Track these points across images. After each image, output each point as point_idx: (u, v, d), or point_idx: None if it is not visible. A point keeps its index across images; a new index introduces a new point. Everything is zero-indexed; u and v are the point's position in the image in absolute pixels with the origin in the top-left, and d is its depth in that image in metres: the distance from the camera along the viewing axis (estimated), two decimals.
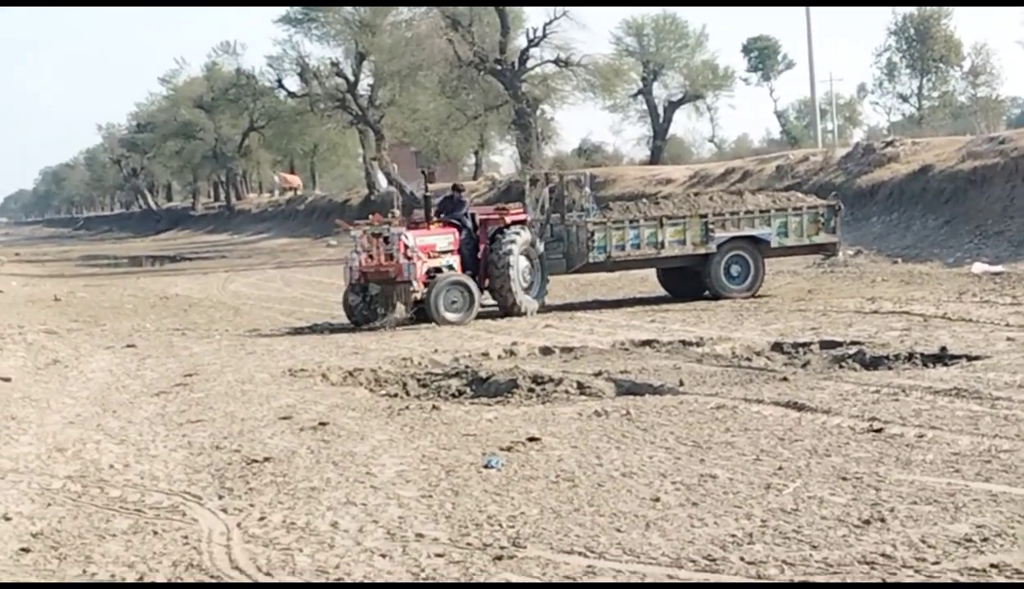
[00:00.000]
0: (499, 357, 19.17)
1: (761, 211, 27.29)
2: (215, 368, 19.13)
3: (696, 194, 32.49)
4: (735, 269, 26.90)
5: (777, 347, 18.32)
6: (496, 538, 9.05)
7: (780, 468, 10.59)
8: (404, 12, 71.23)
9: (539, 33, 62.80)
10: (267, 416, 14.52)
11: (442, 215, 25.55)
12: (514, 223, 25.54)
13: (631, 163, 71.78)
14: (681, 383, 15.42)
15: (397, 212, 28.97)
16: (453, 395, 15.85)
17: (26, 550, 9.38)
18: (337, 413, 14.50)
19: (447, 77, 65.67)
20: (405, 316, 23.99)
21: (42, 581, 8.72)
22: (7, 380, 18.04)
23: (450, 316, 23.95)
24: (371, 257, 24.38)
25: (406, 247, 24.07)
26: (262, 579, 8.48)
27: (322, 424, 13.71)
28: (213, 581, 8.53)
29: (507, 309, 25.08)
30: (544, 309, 25.64)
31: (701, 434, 12.18)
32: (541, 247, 25.97)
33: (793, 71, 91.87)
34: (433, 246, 24.69)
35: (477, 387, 16.06)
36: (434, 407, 14.63)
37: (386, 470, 11.37)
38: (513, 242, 25.11)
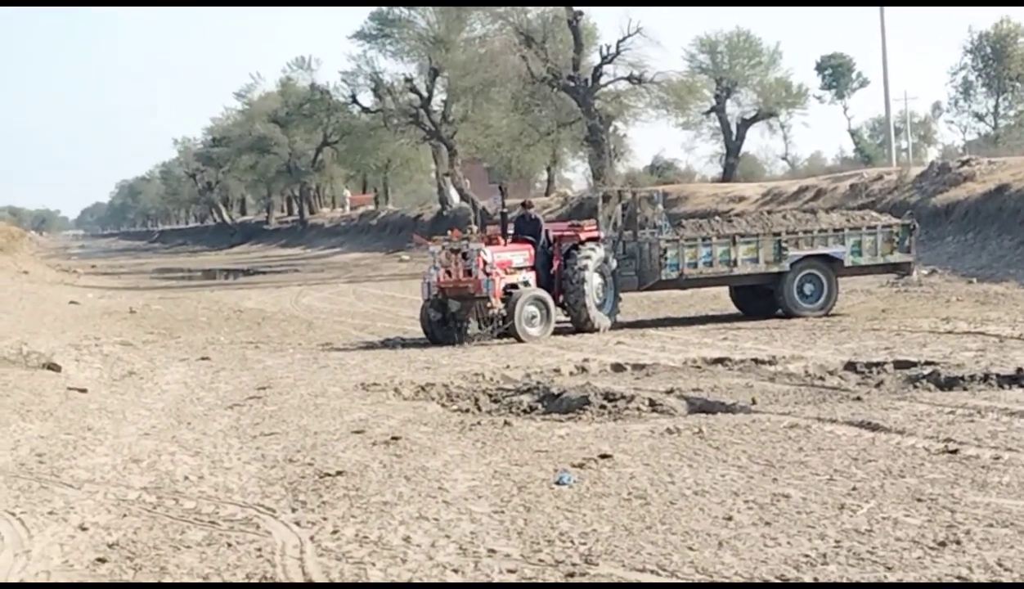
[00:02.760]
0: (571, 373, 19.17)
1: (835, 229, 27.14)
2: (288, 382, 19.24)
3: (769, 212, 32.38)
4: (808, 287, 26.77)
5: (850, 366, 18.20)
6: (568, 555, 9.05)
7: (854, 488, 10.53)
8: (478, 28, 71.66)
9: (612, 50, 62.78)
10: (340, 430, 14.58)
11: (519, 234, 25.56)
12: (589, 240, 25.56)
13: (704, 180, 71.64)
14: (754, 401, 15.37)
15: (475, 227, 29.02)
16: (525, 411, 15.85)
17: (102, 560, 9.46)
18: (409, 428, 14.54)
19: (520, 93, 65.80)
20: (487, 332, 24.01)
21: None
22: (84, 391, 18.22)
23: (531, 331, 23.99)
24: (449, 273, 24.44)
25: (485, 263, 24.12)
26: None
27: (394, 438, 13.75)
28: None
29: (580, 325, 25.08)
30: (616, 326, 25.61)
31: (774, 453, 12.13)
32: (614, 264, 25.96)
33: (867, 89, 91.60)
34: (510, 262, 24.73)
35: (549, 403, 16.04)
36: (506, 423, 14.64)
37: (458, 485, 11.40)
38: (588, 259, 25.12)
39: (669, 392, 16.17)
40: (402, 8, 73.45)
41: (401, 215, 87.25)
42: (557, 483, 11.23)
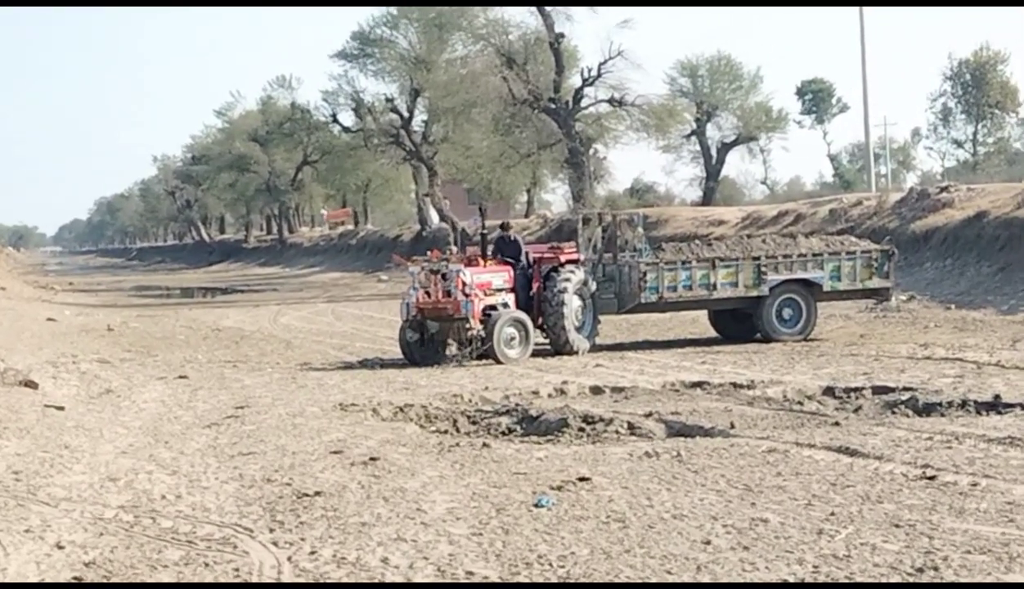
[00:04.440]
0: (549, 396, 19.16)
1: (814, 254, 27.20)
2: (266, 401, 19.20)
3: (748, 236, 32.45)
4: (787, 312, 26.81)
5: (829, 391, 18.23)
6: (546, 577, 9.03)
7: (832, 514, 10.53)
8: (459, 49, 71.60)
9: (594, 72, 62.90)
10: (318, 450, 14.55)
11: (499, 256, 25.59)
12: (568, 262, 25.57)
13: (683, 204, 71.78)
14: (732, 426, 15.38)
15: (455, 248, 29.05)
16: (503, 433, 15.83)
17: (79, 579, 9.43)
18: (388, 448, 14.52)
19: (501, 115, 65.84)
20: (466, 353, 23.98)
21: None
22: (61, 409, 18.15)
23: (510, 353, 23.97)
24: (428, 294, 24.43)
25: (464, 284, 24.10)
26: None
27: (372, 459, 13.73)
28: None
29: (559, 347, 25.08)
30: (595, 348, 25.61)
31: (752, 477, 12.13)
32: (593, 286, 25.97)
33: (847, 114, 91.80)
34: (489, 283, 24.73)
35: (527, 425, 16.04)
36: (484, 444, 14.62)
37: (436, 507, 11.38)
38: (568, 281, 25.13)
39: (648, 415, 16.17)
40: (384, 28, 73.45)
41: (380, 235, 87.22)
42: (536, 506, 11.22)
